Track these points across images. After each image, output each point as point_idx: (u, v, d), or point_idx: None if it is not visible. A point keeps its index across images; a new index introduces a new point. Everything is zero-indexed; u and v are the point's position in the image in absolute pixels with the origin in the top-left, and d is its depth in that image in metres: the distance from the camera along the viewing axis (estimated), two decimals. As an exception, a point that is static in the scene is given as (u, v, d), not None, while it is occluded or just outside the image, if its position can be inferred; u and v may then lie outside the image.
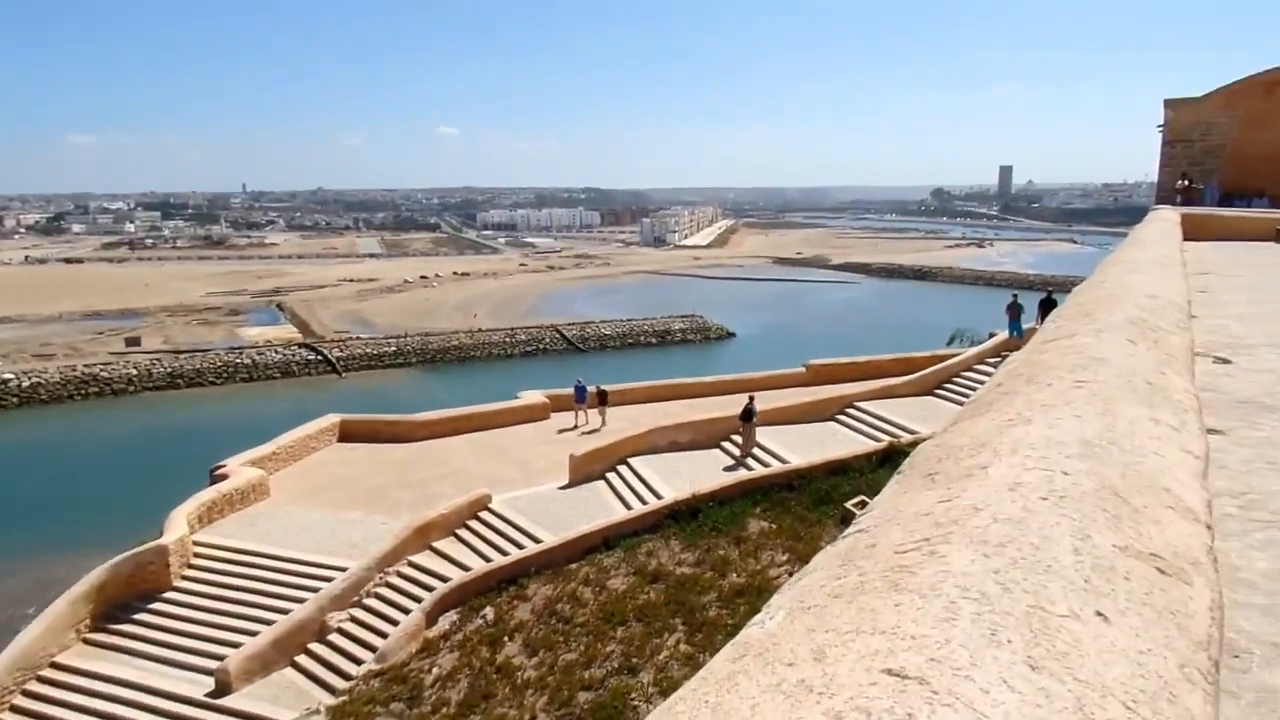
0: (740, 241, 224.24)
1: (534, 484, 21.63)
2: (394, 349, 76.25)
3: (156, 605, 18.55)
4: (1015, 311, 27.85)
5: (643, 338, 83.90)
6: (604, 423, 25.78)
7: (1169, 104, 31.59)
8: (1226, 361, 6.42)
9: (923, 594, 1.06)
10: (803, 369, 29.90)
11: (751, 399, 22.49)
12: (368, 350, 75.58)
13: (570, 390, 27.33)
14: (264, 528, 20.58)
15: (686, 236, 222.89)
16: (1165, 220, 16.93)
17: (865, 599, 1.10)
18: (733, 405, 24.43)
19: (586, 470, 21.36)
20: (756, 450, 21.65)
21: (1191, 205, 28.19)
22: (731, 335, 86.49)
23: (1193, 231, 20.92)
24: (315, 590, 18.07)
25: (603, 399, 26.39)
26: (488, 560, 18.43)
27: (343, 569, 18.38)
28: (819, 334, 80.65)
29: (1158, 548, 1.32)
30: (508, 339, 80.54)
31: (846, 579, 1.20)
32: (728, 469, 21.11)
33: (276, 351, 73.78)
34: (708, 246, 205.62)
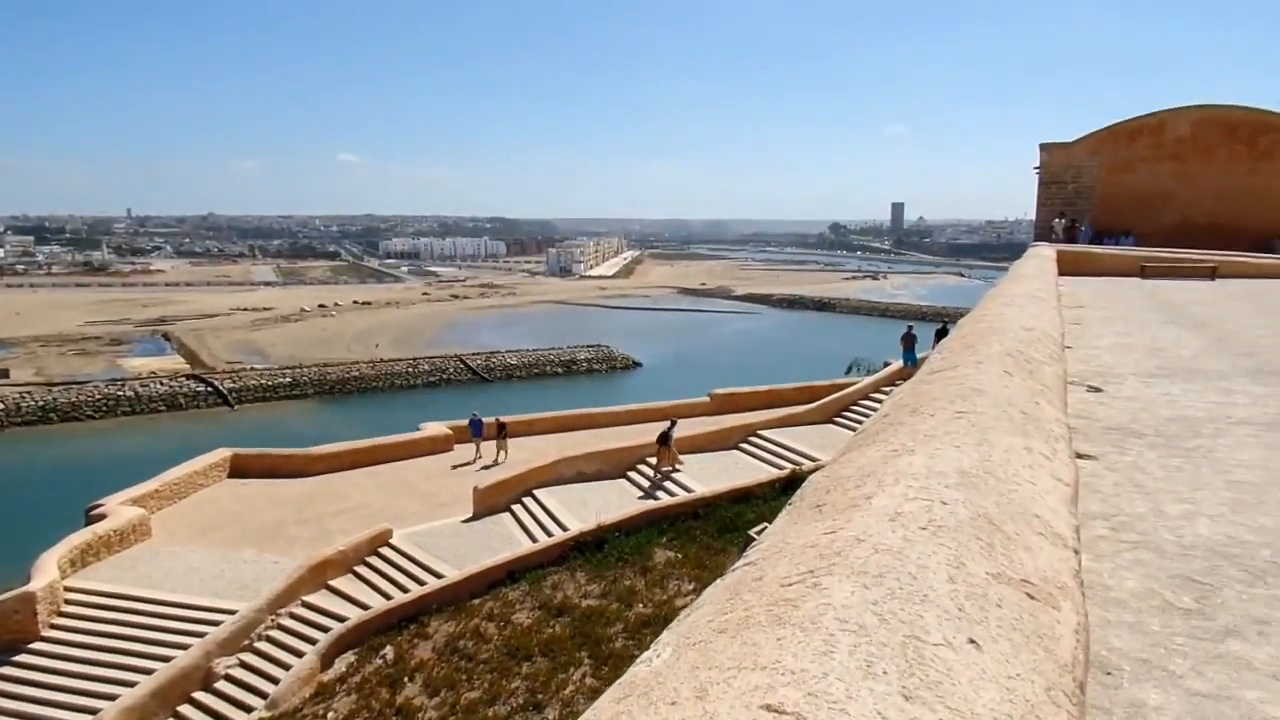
0: (646, 272, 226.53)
1: (437, 518, 21.13)
2: (290, 380, 73.61)
3: (22, 657, 17.21)
4: (909, 342, 28.95)
5: (549, 368, 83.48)
6: (504, 457, 25.11)
7: (1044, 148, 33.71)
8: (1098, 390, 6.82)
9: (804, 627, 1.08)
10: (707, 398, 30.27)
11: (672, 423, 22.93)
12: (262, 381, 72.72)
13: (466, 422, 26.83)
14: (145, 570, 19.40)
15: (593, 267, 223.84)
16: (1043, 257, 17.97)
17: (749, 634, 1.11)
18: (639, 435, 24.50)
19: (491, 503, 21.02)
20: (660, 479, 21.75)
21: (1074, 242, 30.08)
22: (638, 365, 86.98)
23: (1068, 267, 22.28)
24: (201, 635, 17.10)
25: (501, 431, 25.69)
26: (388, 598, 17.85)
27: (231, 611, 17.46)
28: (723, 363, 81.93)
29: (1028, 573, 1.37)
30: (410, 369, 78.86)
31: (733, 614, 1.21)
32: (641, 497, 21.17)
33: (162, 383, 70.14)
34: (614, 277, 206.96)
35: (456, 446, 26.73)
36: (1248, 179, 31.08)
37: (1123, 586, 3.04)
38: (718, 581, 1.46)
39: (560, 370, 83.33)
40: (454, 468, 25.23)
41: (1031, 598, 1.30)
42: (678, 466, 22.30)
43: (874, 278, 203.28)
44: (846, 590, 1.17)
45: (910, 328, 30.00)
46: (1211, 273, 21.72)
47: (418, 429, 27.45)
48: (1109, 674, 2.49)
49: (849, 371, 38.42)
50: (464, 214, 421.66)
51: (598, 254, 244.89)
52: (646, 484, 21.95)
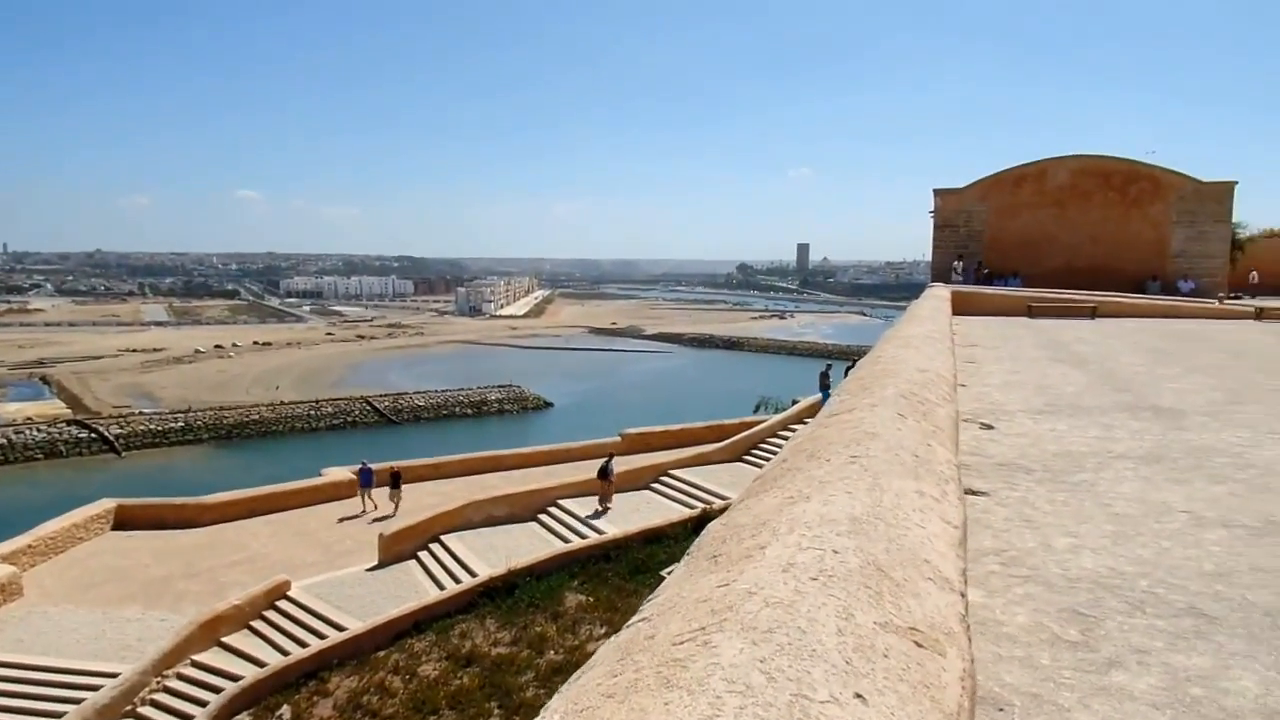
0: (557, 311, 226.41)
1: (339, 567, 20.34)
2: (183, 424, 70.18)
3: None
4: (825, 380, 29.66)
5: (458, 408, 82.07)
6: (396, 508, 23.83)
7: (938, 193, 35.36)
8: (990, 427, 7.09)
9: (691, 690, 1.06)
10: (619, 438, 30.24)
11: (610, 457, 23.55)
12: (152, 426, 69.10)
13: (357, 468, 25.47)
14: (14, 633, 17.99)
15: (503, 306, 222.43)
16: (938, 298, 18.74)
17: (637, 698, 1.08)
18: (550, 476, 24.30)
19: (396, 550, 20.38)
20: (570, 520, 21.54)
21: (988, 283, 31.51)
22: (549, 405, 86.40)
23: (961, 307, 23.29)
24: (78, 702, 15.90)
25: (395, 480, 24.42)
26: (285, 654, 17.01)
27: (113, 675, 16.32)
28: (635, 402, 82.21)
29: (916, 620, 1.39)
30: (313, 412, 76.28)
31: (622, 676, 1.18)
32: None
33: (39, 430, 65.85)
34: (524, 316, 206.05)
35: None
36: (1121, 224, 33.26)
37: (1014, 621, 3.14)
38: (611, 639, 1.43)
39: (470, 411, 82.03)
40: (340, 521, 23.83)
41: (919, 645, 1.31)
42: (608, 505, 22.56)
43: (781, 317, 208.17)
44: (736, 648, 1.16)
45: (828, 366, 30.76)
46: (1092, 312, 23.06)
47: (320, 474, 26.49)
48: (1001, 710, 2.54)
49: (757, 409, 39.04)
50: (370, 252, 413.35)
51: (508, 293, 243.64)
52: (558, 526, 21.70)
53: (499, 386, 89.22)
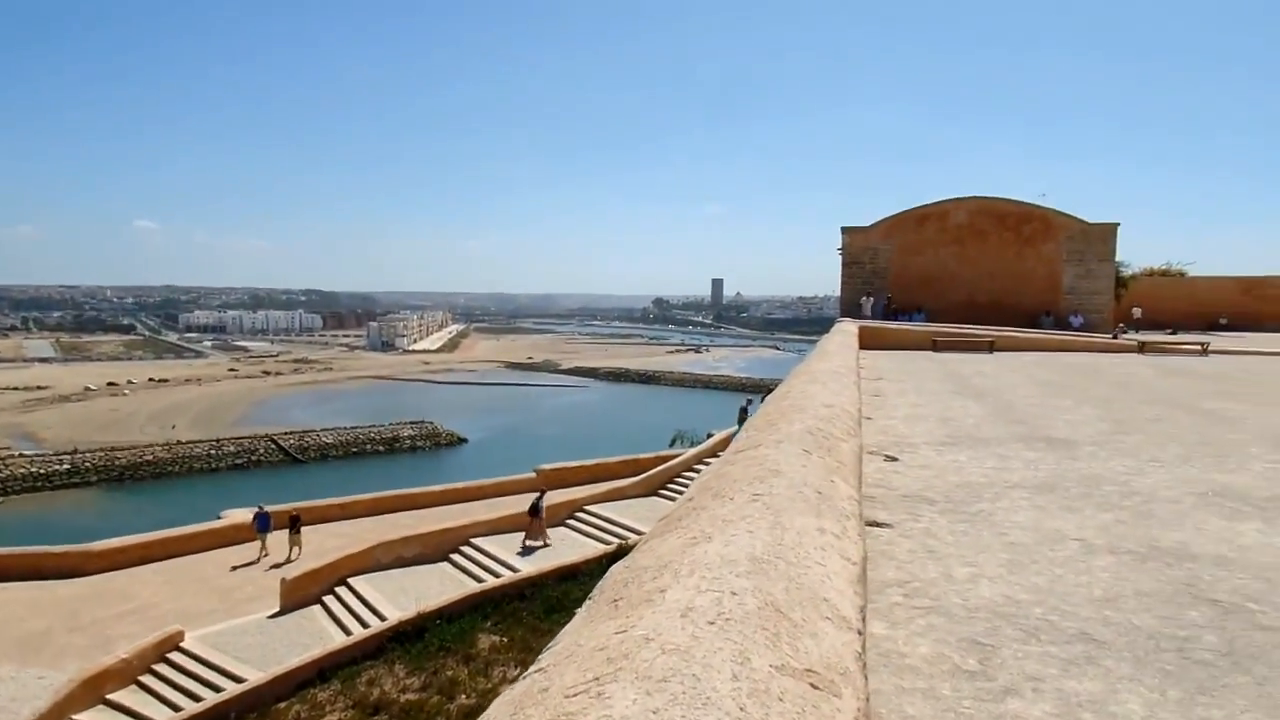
0: (472, 346, 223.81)
1: (238, 615, 19.37)
2: (69, 466, 66.21)
3: None
4: (743, 414, 30.01)
5: (369, 445, 79.89)
6: (297, 553, 22.72)
7: (845, 231, 36.55)
8: (895, 460, 7.28)
9: (580, 747, 1.02)
10: (533, 474, 29.90)
11: (541, 494, 23.50)
12: (33, 469, 64.99)
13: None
14: None
15: (416, 341, 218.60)
16: (846, 333, 19.26)
17: (525, 757, 1.04)
18: (463, 514, 23.84)
19: (300, 595, 19.55)
20: (484, 559, 21.12)
21: (895, 318, 32.54)
22: (463, 441, 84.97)
23: (869, 341, 24.00)
24: (-59, 772, 14.65)
25: (294, 525, 23.17)
26: (177, 709, 16.05)
27: (-18, 740, 15.11)
28: (551, 437, 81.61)
29: (812, 661, 1.39)
30: (214, 451, 73.08)
31: (512, 733, 1.14)
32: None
33: (-97, 476, 61.22)
34: (438, 351, 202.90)
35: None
36: (1017, 262, 34.99)
37: (916, 653, 3.19)
38: (505, 692, 1.38)
39: (381, 448, 79.95)
40: (234, 569, 22.49)
41: (814, 687, 1.31)
42: (547, 542, 22.44)
43: (696, 351, 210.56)
44: (629, 699, 1.13)
45: (749, 401, 31.14)
46: (991, 346, 24.08)
47: (219, 516, 25.30)
48: (905, 744, 2.57)
49: (673, 443, 39.22)
50: (277, 286, 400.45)
51: (422, 328, 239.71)
52: (471, 565, 21.23)
53: (411, 423, 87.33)
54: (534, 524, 22.66)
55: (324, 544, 23.29)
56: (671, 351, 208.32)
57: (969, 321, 30.93)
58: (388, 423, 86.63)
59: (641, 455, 32.11)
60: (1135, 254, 62.55)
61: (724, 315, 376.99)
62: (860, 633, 1.65)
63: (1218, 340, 27.39)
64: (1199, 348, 23.70)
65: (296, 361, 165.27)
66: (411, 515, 26.16)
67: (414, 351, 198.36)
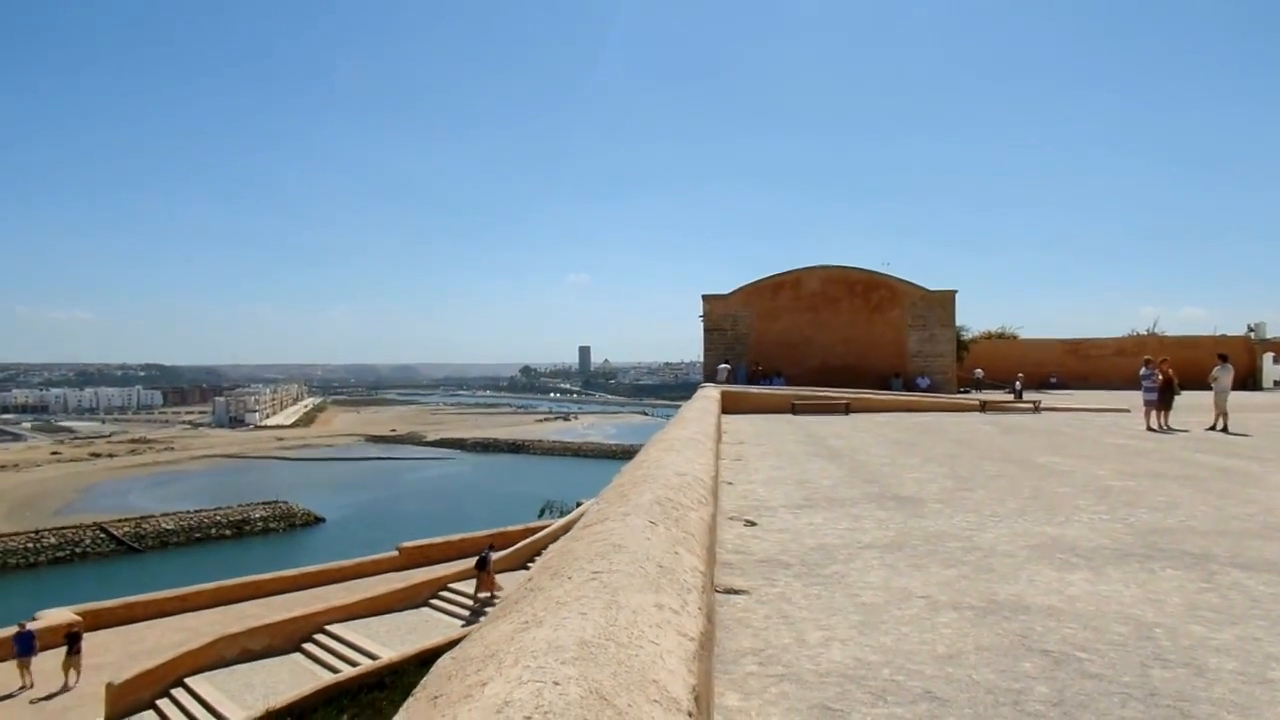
0: (330, 420, 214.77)
1: (54, 728, 17.33)
2: None
3: None
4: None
5: (215, 530, 74.46)
6: (75, 679, 19.13)
7: (706, 298, 37.61)
8: (753, 524, 7.36)
9: None
10: (395, 552, 28.62)
11: (490, 548, 24.17)
12: None
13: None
14: None
15: (269, 416, 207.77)
16: (708, 398, 19.63)
17: None
18: (317, 599, 22.53)
19: (129, 700, 17.72)
20: (340, 647, 19.87)
21: (757, 382, 33.37)
22: (321, 520, 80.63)
23: (731, 406, 24.55)
24: None
25: (72, 643, 19.43)
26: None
27: None
28: (416, 512, 78.72)
29: (637, 754, 1.31)
30: (31, 544, 66.15)
31: None
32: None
33: None
34: (293, 426, 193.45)
35: (86, 634, 22.38)
36: (867, 327, 36.92)
37: (769, 725, 3.16)
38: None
39: (229, 532, 74.67)
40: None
41: (637, 783, 1.23)
42: (497, 593, 22.26)
43: (565, 419, 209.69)
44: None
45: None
46: (846, 408, 25.11)
47: (34, 618, 22.74)
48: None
49: (542, 514, 38.55)
50: (111, 361, 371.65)
51: (275, 402, 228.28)
52: (326, 655, 19.90)
53: (263, 503, 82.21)
54: (483, 577, 22.74)
55: (161, 640, 21.30)
56: (540, 420, 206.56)
57: (826, 385, 32.24)
58: (237, 504, 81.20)
59: (510, 528, 31.34)
60: (973, 318, 67.40)
61: (592, 382, 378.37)
62: (691, 714, 1.59)
63: (1048, 398, 29.58)
64: (1032, 405, 25.50)
65: (133, 442, 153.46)
66: (260, 604, 24.37)
67: (266, 427, 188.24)
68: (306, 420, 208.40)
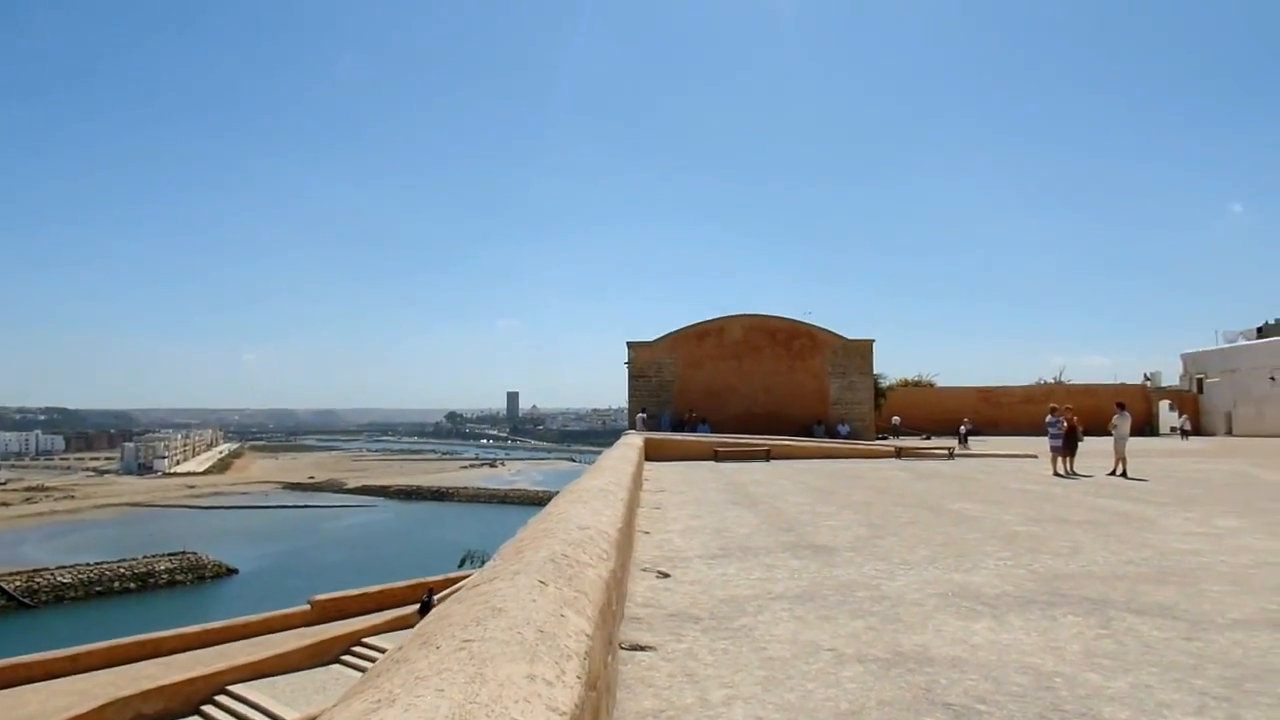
0: (246, 466, 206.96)
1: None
2: None
3: None
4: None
5: (117, 583, 70.42)
6: None
7: (631, 345, 37.72)
8: (667, 575, 7.25)
9: None
10: (307, 606, 27.43)
11: (431, 592, 22.96)
12: None
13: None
14: None
15: (180, 462, 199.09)
16: (629, 445, 19.52)
17: None
18: (221, 657, 21.38)
19: (7, 772, 16.41)
20: (243, 709, 18.84)
21: (682, 429, 33.38)
22: (233, 571, 77.13)
23: (655, 453, 24.49)
24: None
25: None
26: None
27: None
28: (333, 563, 76.06)
29: None
30: (-91, 601, 61.56)
31: None
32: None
33: None
34: (206, 473, 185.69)
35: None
36: (788, 375, 37.49)
37: (664, 793, 3.04)
38: None
39: (133, 585, 70.72)
40: None
41: None
42: None
43: (491, 465, 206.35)
44: None
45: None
46: (767, 455, 25.31)
47: (-96, 683, 20.99)
48: None
49: (463, 563, 37.62)
50: (8, 404, 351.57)
51: (187, 448, 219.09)
52: (227, 718, 18.83)
53: (170, 554, 78.24)
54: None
55: (45, 705, 19.82)
56: (465, 466, 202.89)
57: (748, 431, 32.53)
58: (141, 555, 77.06)
59: (431, 578, 30.39)
60: (890, 366, 69.09)
61: (520, 428, 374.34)
62: (547, 804, 1.48)
63: (961, 444, 30.37)
64: (946, 452, 26.11)
65: (29, 490, 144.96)
66: (159, 663, 22.95)
67: (177, 474, 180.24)
68: (221, 467, 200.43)
